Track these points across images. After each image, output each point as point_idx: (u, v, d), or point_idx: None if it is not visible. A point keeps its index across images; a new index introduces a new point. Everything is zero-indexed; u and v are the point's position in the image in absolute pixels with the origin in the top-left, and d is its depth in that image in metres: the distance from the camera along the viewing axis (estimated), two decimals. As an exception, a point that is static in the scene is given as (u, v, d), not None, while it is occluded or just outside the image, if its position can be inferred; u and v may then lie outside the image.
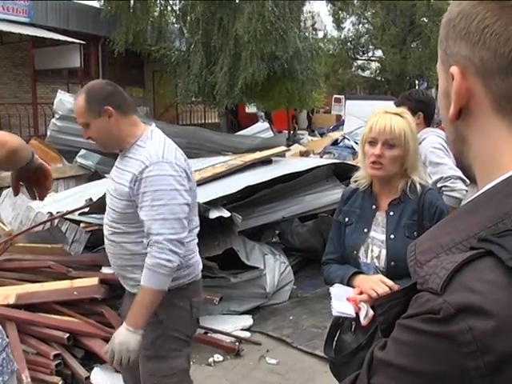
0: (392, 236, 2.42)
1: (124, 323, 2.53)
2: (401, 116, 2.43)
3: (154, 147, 2.63)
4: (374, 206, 2.51)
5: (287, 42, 16.36)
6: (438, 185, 3.67)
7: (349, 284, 2.39)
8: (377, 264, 2.45)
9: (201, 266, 2.94)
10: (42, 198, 2.10)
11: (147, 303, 2.52)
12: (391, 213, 2.46)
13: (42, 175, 2.04)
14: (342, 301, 2.28)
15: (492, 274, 0.65)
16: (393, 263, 2.39)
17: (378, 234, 2.47)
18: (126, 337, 2.49)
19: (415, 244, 0.79)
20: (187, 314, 2.80)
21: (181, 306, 2.74)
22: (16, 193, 2.05)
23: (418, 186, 2.43)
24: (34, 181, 2.03)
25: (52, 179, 2.08)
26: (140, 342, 2.51)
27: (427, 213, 2.40)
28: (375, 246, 2.46)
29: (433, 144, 3.80)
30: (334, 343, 2.50)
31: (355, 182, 2.60)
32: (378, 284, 2.25)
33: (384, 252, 2.42)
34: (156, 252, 2.50)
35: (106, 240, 2.83)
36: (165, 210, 2.52)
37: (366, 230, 2.49)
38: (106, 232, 2.80)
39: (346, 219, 2.57)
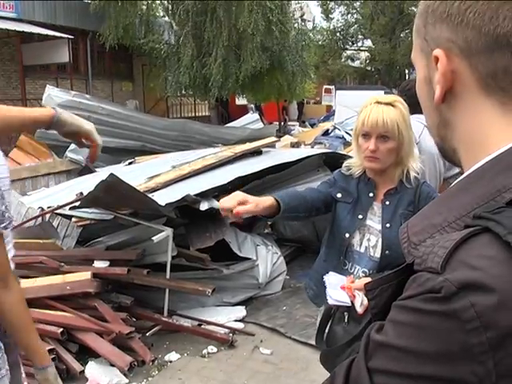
0: (388, 225, 2.41)
1: None
2: (393, 106, 2.39)
3: None
4: (371, 194, 2.50)
5: (286, 34, 16.37)
6: None
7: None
8: (372, 253, 2.45)
9: None
10: (91, 161, 2.06)
11: None
12: (387, 202, 2.46)
13: (84, 138, 2.00)
14: (337, 289, 2.27)
15: (491, 250, 0.65)
16: (387, 252, 2.39)
17: (374, 223, 2.47)
18: None
19: (407, 225, 0.78)
20: None
21: None
22: (79, 146, 2.05)
23: (413, 176, 2.44)
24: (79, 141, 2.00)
25: (94, 144, 2.00)
26: None
27: (423, 203, 2.37)
28: (372, 235, 2.46)
29: None
30: (326, 334, 2.49)
31: (348, 169, 2.57)
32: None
33: (381, 242, 2.42)
34: None
35: None
36: None
37: (360, 217, 2.48)
38: None
39: (339, 195, 2.54)
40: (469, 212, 0.71)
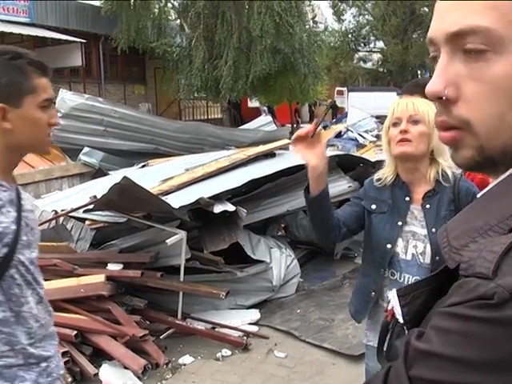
0: (434, 230, 2.31)
1: None
2: (421, 99, 2.38)
3: None
4: (407, 198, 2.41)
5: (293, 36, 16.36)
6: None
7: (308, 190, 2.31)
8: (421, 260, 2.35)
9: None
10: None
11: None
12: (427, 205, 2.37)
13: None
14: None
15: None
16: (437, 258, 2.30)
17: (417, 228, 2.39)
18: None
19: (446, 229, 0.76)
20: None
21: None
22: None
23: (450, 174, 2.36)
24: None
25: None
26: None
27: (464, 200, 2.32)
28: (419, 241, 2.37)
29: None
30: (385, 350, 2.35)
31: (379, 179, 2.49)
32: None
33: (429, 247, 2.33)
34: None
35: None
36: None
37: (400, 223, 2.39)
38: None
39: (374, 206, 2.46)
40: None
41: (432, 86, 0.75)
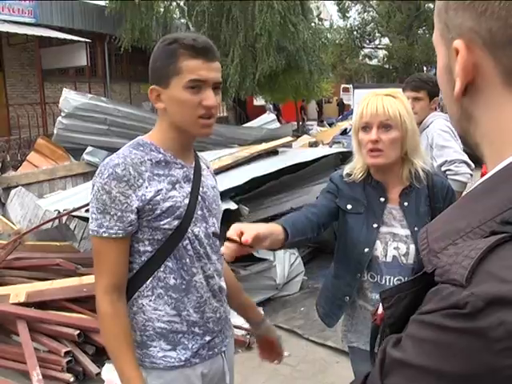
0: (416, 228, 2.18)
1: None
2: (393, 96, 2.19)
3: None
4: (382, 199, 2.25)
5: (296, 35, 16.32)
6: (443, 168, 3.60)
7: None
8: (405, 261, 2.21)
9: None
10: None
11: None
12: (405, 203, 2.23)
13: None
14: None
15: None
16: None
17: (397, 229, 2.24)
18: None
19: (426, 230, 0.72)
20: None
21: None
22: None
23: (422, 173, 2.22)
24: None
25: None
26: None
27: (440, 195, 2.22)
28: (400, 242, 2.23)
29: (440, 127, 3.73)
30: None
31: (349, 175, 2.32)
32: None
33: (413, 247, 2.20)
34: None
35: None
36: None
37: (375, 225, 2.23)
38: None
39: (349, 206, 2.27)
40: (495, 216, 0.64)
41: None
